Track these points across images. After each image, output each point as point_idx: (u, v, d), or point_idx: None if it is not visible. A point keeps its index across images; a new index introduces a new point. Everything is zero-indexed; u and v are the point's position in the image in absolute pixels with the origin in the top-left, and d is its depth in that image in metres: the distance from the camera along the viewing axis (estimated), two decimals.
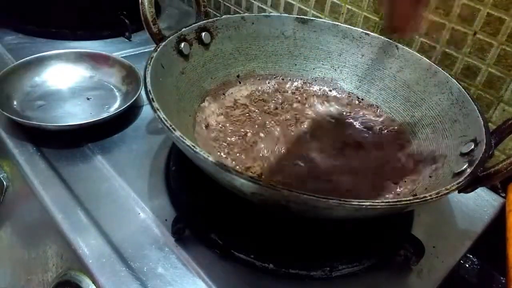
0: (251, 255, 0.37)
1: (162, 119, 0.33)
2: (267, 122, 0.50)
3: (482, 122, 0.39)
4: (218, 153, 0.45)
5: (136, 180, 0.45)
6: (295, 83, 0.56)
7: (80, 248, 0.37)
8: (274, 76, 0.56)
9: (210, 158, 0.30)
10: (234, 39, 0.53)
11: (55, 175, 0.44)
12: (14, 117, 0.47)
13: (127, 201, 0.43)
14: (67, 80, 0.58)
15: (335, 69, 0.56)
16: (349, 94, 0.55)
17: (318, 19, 0.55)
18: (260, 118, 0.51)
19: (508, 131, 0.39)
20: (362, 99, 0.55)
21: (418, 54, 0.50)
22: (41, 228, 0.43)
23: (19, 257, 0.48)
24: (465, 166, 0.35)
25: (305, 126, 0.51)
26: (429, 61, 0.49)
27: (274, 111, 0.52)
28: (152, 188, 0.44)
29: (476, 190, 0.36)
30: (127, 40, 0.73)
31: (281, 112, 0.52)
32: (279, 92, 0.55)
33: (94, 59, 0.59)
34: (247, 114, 0.51)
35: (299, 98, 0.55)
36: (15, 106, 0.51)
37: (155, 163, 0.48)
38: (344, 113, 0.53)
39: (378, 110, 0.53)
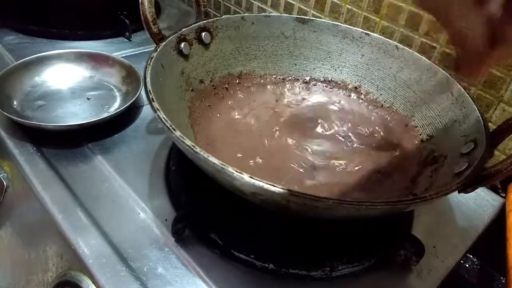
0: (251, 255, 0.37)
1: (162, 119, 0.33)
2: (267, 123, 0.50)
3: (482, 122, 0.39)
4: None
5: (136, 180, 0.45)
6: (295, 83, 0.56)
7: (80, 248, 0.37)
8: (274, 76, 0.56)
9: (210, 158, 0.30)
10: (234, 39, 0.53)
11: (55, 175, 0.44)
12: (14, 117, 0.47)
13: (127, 201, 0.43)
14: (67, 80, 0.58)
15: (335, 69, 0.56)
16: (349, 94, 0.55)
17: (318, 19, 0.55)
18: (260, 118, 0.51)
19: (508, 131, 0.39)
20: (362, 99, 0.55)
21: (418, 54, 0.50)
22: (41, 228, 0.43)
23: (19, 257, 0.48)
24: (465, 166, 0.35)
25: (305, 126, 0.51)
26: (429, 61, 0.49)
27: (274, 111, 0.52)
28: (152, 188, 0.44)
29: (476, 190, 0.35)
30: (127, 40, 0.73)
31: (280, 111, 0.52)
32: (279, 92, 0.55)
33: (94, 59, 0.59)
34: (247, 114, 0.51)
35: (299, 98, 0.55)
36: (15, 106, 0.51)
37: (155, 163, 0.47)
38: (344, 113, 0.53)
39: (378, 110, 0.53)
